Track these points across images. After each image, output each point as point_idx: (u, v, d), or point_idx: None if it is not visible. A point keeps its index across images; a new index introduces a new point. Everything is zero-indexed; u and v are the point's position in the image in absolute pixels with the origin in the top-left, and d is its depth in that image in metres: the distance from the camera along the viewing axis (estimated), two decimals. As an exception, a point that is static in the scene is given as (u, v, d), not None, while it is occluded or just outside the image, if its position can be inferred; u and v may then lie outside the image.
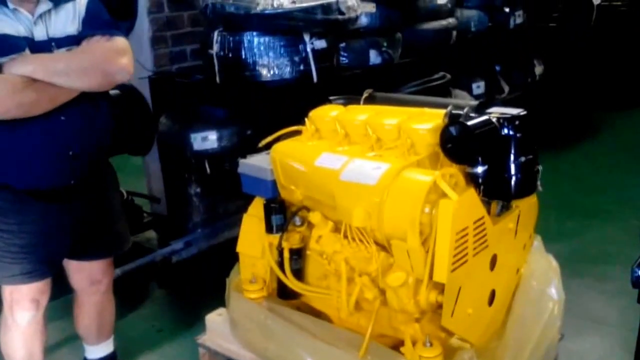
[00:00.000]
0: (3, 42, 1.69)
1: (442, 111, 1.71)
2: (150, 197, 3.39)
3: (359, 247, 1.63)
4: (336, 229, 1.74)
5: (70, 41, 1.81)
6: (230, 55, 2.74)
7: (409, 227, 1.46)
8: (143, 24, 3.13)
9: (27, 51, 1.73)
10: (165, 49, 3.20)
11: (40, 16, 1.78)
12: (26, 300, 1.93)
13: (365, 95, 2.19)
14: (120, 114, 3.08)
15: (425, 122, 1.70)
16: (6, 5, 1.73)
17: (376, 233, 1.57)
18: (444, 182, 1.46)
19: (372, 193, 1.56)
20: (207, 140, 2.83)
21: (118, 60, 1.82)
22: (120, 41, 1.87)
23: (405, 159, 1.62)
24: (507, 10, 4.53)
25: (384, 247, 1.59)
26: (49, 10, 1.81)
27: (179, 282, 3.10)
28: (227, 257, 2.19)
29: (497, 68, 4.67)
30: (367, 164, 1.65)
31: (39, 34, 1.77)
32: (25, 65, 1.68)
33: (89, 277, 2.12)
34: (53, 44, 1.79)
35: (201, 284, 2.97)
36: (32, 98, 1.67)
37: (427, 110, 1.81)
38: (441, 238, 1.43)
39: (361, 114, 1.90)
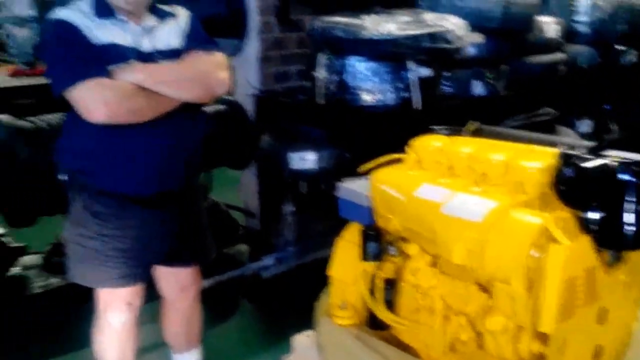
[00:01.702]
0: (113, 51, 1.78)
1: (553, 150, 1.64)
2: (245, 211, 3.46)
3: (457, 284, 1.57)
4: (433, 263, 1.70)
5: (173, 54, 1.89)
6: (333, 78, 2.76)
7: (514, 270, 1.39)
8: (253, 44, 3.22)
9: (134, 61, 1.81)
10: (272, 68, 3.28)
11: (147, 29, 1.87)
12: (121, 303, 1.98)
13: (469, 127, 2.14)
14: (224, 128, 3.20)
15: (535, 160, 1.63)
16: (116, 17, 1.82)
17: (477, 272, 1.51)
18: (555, 226, 1.39)
19: (476, 230, 1.50)
20: (305, 160, 2.86)
21: (218, 73, 1.89)
22: (219, 56, 1.94)
23: (513, 197, 1.55)
24: (619, 47, 4.33)
25: (484, 288, 1.53)
26: (155, 24, 1.89)
27: (267, 299, 3.13)
28: (317, 277, 2.19)
29: (606, 107, 4.45)
30: (471, 199, 1.60)
31: (145, 45, 1.85)
32: (137, 73, 1.76)
33: (178, 284, 2.17)
34: (158, 55, 1.86)
35: (289, 302, 2.98)
36: (140, 105, 1.74)
37: (536, 147, 1.74)
38: (550, 286, 1.35)
39: (466, 146, 1.84)
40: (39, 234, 2.64)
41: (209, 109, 3.26)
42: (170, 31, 1.91)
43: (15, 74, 4.73)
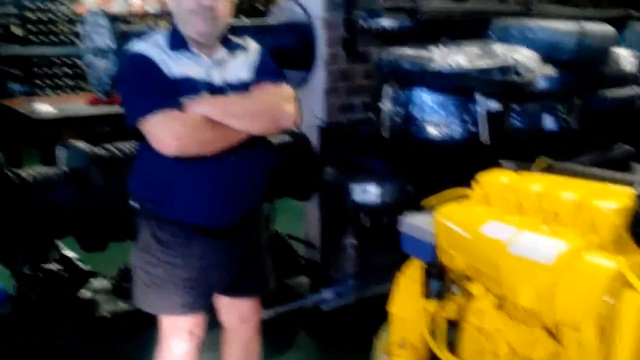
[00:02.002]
0: (185, 84, 1.81)
1: (629, 189, 1.56)
2: (307, 242, 3.45)
3: (524, 329, 1.51)
4: (499, 305, 1.63)
5: (243, 86, 1.91)
6: (399, 110, 2.74)
7: (585, 316, 1.32)
8: (320, 75, 3.25)
9: (205, 93, 1.84)
10: (338, 100, 3.29)
11: (218, 62, 1.89)
12: (183, 332, 1.99)
13: (539, 163, 2.07)
14: (289, 158, 3.22)
15: (609, 199, 1.56)
16: (189, 50, 1.86)
17: (545, 317, 1.44)
18: (630, 271, 1.31)
19: (546, 272, 1.44)
20: (368, 192, 2.83)
21: (285, 106, 1.90)
22: (287, 89, 1.95)
23: (585, 239, 1.48)
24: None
25: (552, 333, 1.46)
26: (226, 57, 1.92)
27: (326, 332, 3.09)
28: (377, 312, 2.15)
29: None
30: (541, 239, 1.54)
31: (216, 78, 1.87)
32: (207, 106, 1.79)
33: (239, 315, 2.16)
34: (228, 88, 1.89)
35: (348, 336, 2.93)
36: (210, 137, 1.77)
37: (611, 186, 1.66)
38: (623, 334, 1.27)
39: (535, 183, 1.78)
40: (110, 259, 2.72)
41: (274, 140, 3.32)
42: (241, 64, 1.94)
43: (93, 103, 4.97)
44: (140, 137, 1.82)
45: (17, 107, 4.66)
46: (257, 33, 3.24)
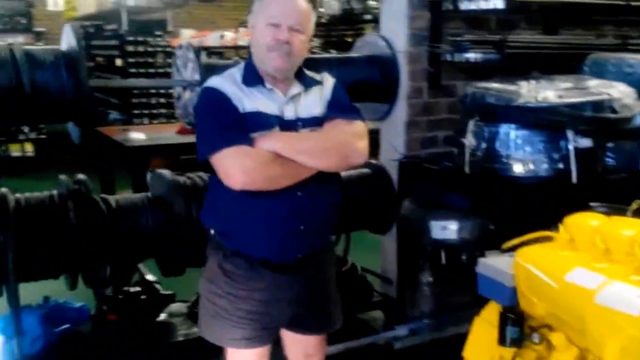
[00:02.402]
0: (257, 119, 1.81)
1: None
2: (382, 276, 3.39)
3: (609, 386, 1.39)
4: (581, 358, 1.52)
5: (315, 122, 1.90)
6: (483, 145, 2.65)
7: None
8: (401, 108, 3.22)
9: (277, 128, 1.84)
10: (419, 133, 3.24)
11: (292, 97, 1.90)
12: None
13: (634, 206, 1.93)
14: (367, 191, 3.19)
15: None
16: (264, 85, 1.87)
17: (634, 375, 1.33)
18: None
19: (635, 325, 1.33)
20: (446, 229, 2.75)
21: (356, 143, 1.87)
22: (359, 125, 1.92)
23: (682, 292, 1.36)
24: None
25: (642, 394, 1.34)
26: (300, 92, 1.92)
27: (398, 372, 3.00)
28: (451, 354, 2.06)
29: None
30: (630, 290, 1.43)
31: (288, 113, 1.87)
32: (276, 142, 1.78)
33: (303, 351, 2.12)
34: (300, 123, 1.88)
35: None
36: (277, 173, 1.77)
37: None
38: None
39: (628, 228, 1.67)
40: (187, 284, 2.76)
41: (353, 172, 3.30)
42: (314, 99, 1.93)
43: (182, 132, 5.16)
44: (210, 170, 1.84)
45: (112, 134, 4.90)
46: (340, 66, 3.29)
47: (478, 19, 3.23)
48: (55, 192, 2.42)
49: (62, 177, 2.46)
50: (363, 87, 3.26)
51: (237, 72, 1.90)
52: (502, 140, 2.60)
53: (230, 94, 1.82)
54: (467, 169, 2.73)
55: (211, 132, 1.81)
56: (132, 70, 7.74)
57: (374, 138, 3.46)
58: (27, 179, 6.24)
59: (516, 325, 1.76)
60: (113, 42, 8.25)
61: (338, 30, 9.11)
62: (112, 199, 2.51)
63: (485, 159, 2.66)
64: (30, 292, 2.70)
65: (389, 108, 3.27)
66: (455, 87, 3.25)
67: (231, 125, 1.78)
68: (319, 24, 8.94)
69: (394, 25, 3.21)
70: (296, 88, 1.91)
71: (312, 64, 3.07)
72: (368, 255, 3.67)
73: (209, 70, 2.70)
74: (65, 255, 2.33)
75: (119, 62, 7.90)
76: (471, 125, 2.71)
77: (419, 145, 3.25)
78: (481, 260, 2.01)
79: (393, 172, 3.20)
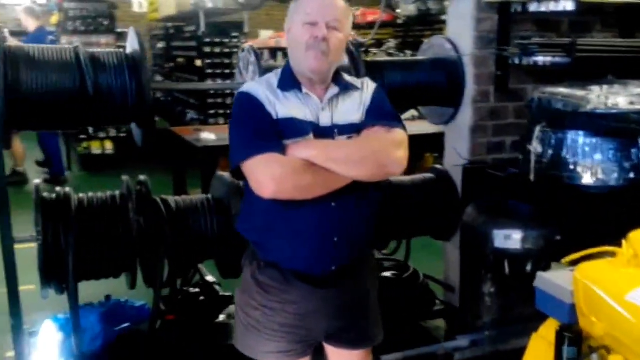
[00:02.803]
0: (291, 125, 1.75)
1: None
2: (445, 284, 3.31)
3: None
4: (641, 385, 1.42)
5: (352, 129, 1.82)
6: (549, 152, 2.54)
7: None
8: (466, 112, 3.13)
9: (311, 135, 1.76)
10: (484, 138, 3.14)
11: (328, 102, 1.81)
12: None
13: None
14: (430, 196, 3.13)
15: None
16: (300, 90, 1.79)
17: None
18: None
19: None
20: (510, 239, 2.65)
21: (394, 152, 1.78)
22: (398, 133, 1.83)
23: None
24: None
25: None
26: (337, 96, 1.84)
27: (457, 384, 2.93)
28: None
29: None
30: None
31: (324, 119, 1.80)
32: (308, 150, 1.71)
33: None
34: (336, 130, 1.80)
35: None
36: (309, 181, 1.70)
37: None
38: None
39: (699, 247, 1.55)
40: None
41: (417, 177, 3.24)
42: (352, 105, 1.86)
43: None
44: (243, 179, 1.79)
45: (185, 134, 5.03)
46: (404, 70, 3.25)
47: (548, 22, 3.10)
48: (117, 192, 2.50)
49: (125, 177, 2.54)
50: (427, 90, 3.20)
51: (273, 77, 1.84)
52: (569, 148, 2.48)
53: (263, 100, 1.77)
54: (532, 177, 2.63)
55: (243, 139, 1.75)
56: (209, 71, 7.93)
57: (440, 142, 3.41)
58: (107, 176, 6.51)
59: (573, 345, 1.67)
60: (192, 44, 8.49)
61: (414, 31, 8.98)
62: (172, 200, 2.57)
63: (551, 167, 2.55)
64: (96, 289, 2.81)
65: (454, 112, 3.20)
66: (525, 91, 3.13)
67: (263, 132, 1.72)
68: (395, 25, 8.96)
69: (460, 28, 3.13)
70: (333, 92, 1.84)
71: (375, 67, 3.08)
72: (433, 262, 3.60)
73: (268, 72, 2.73)
74: (125, 255, 2.41)
75: (198, 62, 8.11)
76: (537, 131, 2.60)
77: (485, 151, 3.16)
78: (540, 274, 1.92)
79: (457, 178, 3.13)
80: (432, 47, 3.33)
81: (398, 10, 8.71)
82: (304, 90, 1.81)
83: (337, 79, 1.86)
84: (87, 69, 2.27)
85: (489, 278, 2.92)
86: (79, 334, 2.42)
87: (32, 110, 2.26)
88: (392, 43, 8.87)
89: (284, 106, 1.78)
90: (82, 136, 7.42)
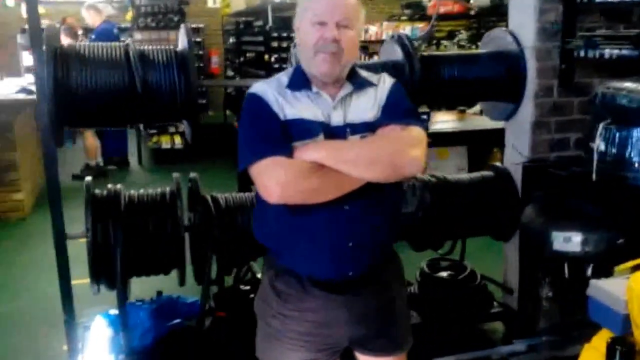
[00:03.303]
0: (300, 127, 1.67)
1: None
2: (503, 286, 3.20)
3: None
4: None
5: (366, 127, 1.72)
6: (613, 151, 2.39)
7: None
8: (527, 108, 3.00)
9: (321, 136, 1.67)
10: (547, 135, 3.00)
11: (341, 100, 1.72)
12: None
13: None
14: (489, 195, 3.02)
15: None
16: (310, 89, 1.71)
17: None
18: None
19: None
20: (570, 241, 2.51)
21: (409, 152, 1.66)
22: (415, 131, 1.72)
23: None
24: None
25: None
26: (350, 94, 1.74)
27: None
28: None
29: None
30: None
31: (336, 118, 1.71)
32: (317, 151, 1.63)
33: None
34: (348, 129, 1.70)
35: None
36: (317, 185, 1.61)
37: None
38: None
39: None
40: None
41: (475, 175, 3.14)
42: (366, 103, 1.76)
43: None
44: (252, 182, 1.71)
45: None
46: (463, 63, 3.14)
47: (617, 12, 2.91)
48: (167, 189, 2.55)
49: (175, 174, 2.58)
50: (486, 85, 3.08)
51: (284, 76, 1.77)
52: (634, 146, 2.32)
53: (271, 101, 1.69)
54: (594, 176, 2.48)
55: (249, 142, 1.68)
56: (276, 66, 7.98)
57: (500, 138, 3.28)
58: (176, 170, 6.69)
59: (625, 358, 1.57)
60: (260, 38, 8.57)
61: (487, 22, 8.71)
62: (221, 197, 2.59)
63: (615, 166, 2.39)
64: (151, 285, 2.87)
65: (515, 107, 3.06)
66: (591, 85, 2.96)
67: (269, 135, 1.65)
68: (468, 16, 8.73)
69: (522, 19, 2.99)
70: (346, 89, 1.74)
71: (431, 62, 2.99)
72: (491, 262, 3.48)
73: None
74: (173, 252, 2.44)
75: (267, 57, 8.17)
76: (600, 128, 2.45)
77: (547, 148, 3.01)
78: (593, 281, 1.82)
79: (517, 176, 3.01)
80: (493, 40, 3.20)
81: (471, 1, 8.47)
82: (314, 89, 1.72)
83: (351, 75, 1.77)
84: (136, 66, 2.31)
85: (548, 282, 2.79)
86: (128, 330, 2.47)
87: (81, 108, 2.31)
88: (463, 35, 8.64)
89: (293, 107, 1.70)
90: (152, 131, 7.65)
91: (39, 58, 2.33)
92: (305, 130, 1.67)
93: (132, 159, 7.80)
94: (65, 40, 6.59)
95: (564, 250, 2.55)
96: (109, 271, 2.41)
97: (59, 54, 2.31)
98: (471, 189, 3.04)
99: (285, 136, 1.66)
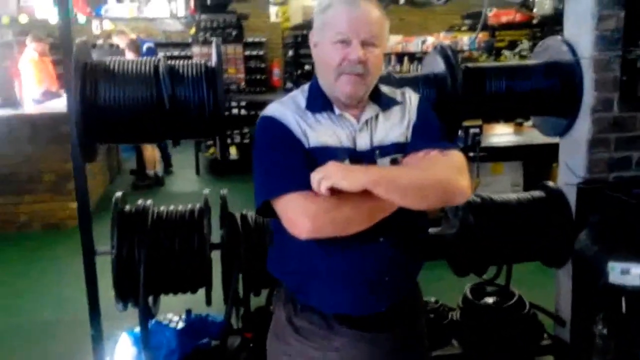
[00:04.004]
0: (325, 155, 1.51)
1: None
2: (555, 316, 2.96)
3: None
4: None
5: (396, 149, 1.58)
6: (678, 174, 2.15)
7: None
8: (584, 123, 2.77)
9: (347, 162, 1.52)
10: (605, 153, 2.75)
11: (366, 122, 1.59)
12: None
13: None
14: (540, 218, 2.80)
15: None
16: (332, 111, 1.58)
17: None
18: None
19: None
20: (628, 273, 2.28)
21: (459, 181, 1.50)
22: (457, 156, 1.56)
23: None
24: None
25: None
26: (376, 115, 1.60)
27: None
28: None
29: None
30: None
31: (362, 142, 1.57)
32: (368, 176, 1.42)
33: None
34: (377, 152, 1.56)
35: None
36: (348, 214, 1.44)
37: None
38: None
39: None
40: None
41: (525, 195, 2.92)
42: (394, 123, 1.62)
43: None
44: (269, 215, 1.57)
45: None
46: (512, 76, 2.93)
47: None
48: (197, 206, 2.48)
49: (205, 191, 2.51)
50: (538, 98, 2.87)
51: (299, 96, 1.62)
52: (702, 168, 2.08)
53: (292, 126, 1.55)
54: (655, 201, 2.24)
55: (271, 172, 1.53)
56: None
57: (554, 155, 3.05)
58: (231, 181, 6.71)
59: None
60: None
61: (551, 31, 8.35)
62: (250, 215, 2.50)
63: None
64: (185, 302, 2.81)
65: (569, 122, 2.84)
66: (656, 99, 2.70)
67: (295, 165, 1.50)
68: (531, 25, 8.41)
69: (579, 27, 2.77)
70: (371, 111, 1.60)
71: (475, 74, 2.80)
72: (544, 291, 3.23)
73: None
74: (200, 270, 2.37)
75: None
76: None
77: (605, 168, 2.76)
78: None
79: (572, 197, 2.78)
80: (547, 50, 2.98)
81: (534, 10, 8.15)
82: (337, 111, 1.58)
83: (374, 93, 1.62)
84: (165, 82, 2.27)
85: (602, 317, 2.54)
86: (152, 349, 2.42)
87: (108, 123, 2.29)
88: (525, 44, 8.31)
89: (316, 132, 1.56)
90: (209, 142, 7.74)
91: (69, 73, 2.31)
92: (330, 158, 1.50)
93: (189, 170, 7.93)
94: (129, 55, 6.86)
95: (621, 283, 2.32)
96: (134, 288, 2.35)
97: (88, 69, 2.29)
98: (519, 210, 2.82)
99: (309, 165, 1.49)
